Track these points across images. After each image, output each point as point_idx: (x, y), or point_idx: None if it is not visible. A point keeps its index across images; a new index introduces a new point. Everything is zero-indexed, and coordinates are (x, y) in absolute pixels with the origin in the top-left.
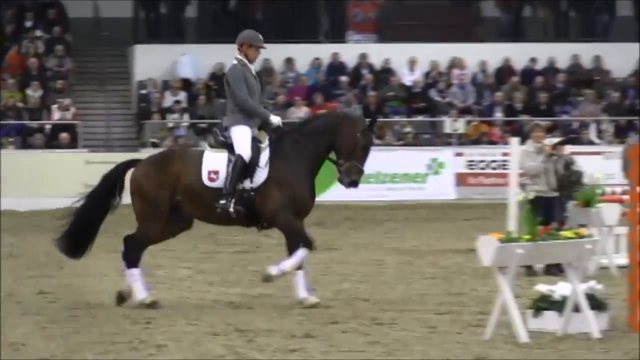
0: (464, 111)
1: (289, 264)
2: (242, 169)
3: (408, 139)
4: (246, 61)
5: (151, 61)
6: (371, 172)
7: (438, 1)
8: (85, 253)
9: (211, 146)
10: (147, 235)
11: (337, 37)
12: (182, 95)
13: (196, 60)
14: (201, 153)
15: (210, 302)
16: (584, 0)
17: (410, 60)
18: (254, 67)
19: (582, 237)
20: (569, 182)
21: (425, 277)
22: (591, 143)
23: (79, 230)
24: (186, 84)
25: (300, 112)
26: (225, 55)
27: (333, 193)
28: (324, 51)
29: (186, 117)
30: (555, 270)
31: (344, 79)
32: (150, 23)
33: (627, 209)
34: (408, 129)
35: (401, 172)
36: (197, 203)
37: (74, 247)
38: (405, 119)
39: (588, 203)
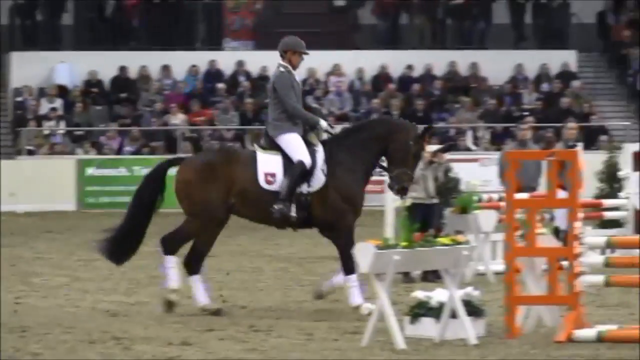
0: (341, 118)
1: (358, 296)
2: (303, 175)
3: None
4: (290, 68)
5: (27, 68)
6: None
7: (315, 8)
8: (129, 257)
9: (263, 148)
10: (192, 235)
11: (214, 44)
12: (58, 103)
13: (72, 67)
14: (253, 154)
15: (86, 310)
16: (460, 8)
17: None
18: (297, 74)
19: (458, 243)
20: (446, 188)
21: (302, 284)
22: (468, 150)
23: (125, 235)
24: (62, 91)
25: (176, 119)
26: (102, 62)
27: None
28: (201, 58)
29: (62, 124)
30: (432, 277)
31: (221, 86)
32: (26, 30)
33: (503, 216)
34: None
35: None
36: (253, 206)
37: (119, 252)
38: None
39: (465, 209)
